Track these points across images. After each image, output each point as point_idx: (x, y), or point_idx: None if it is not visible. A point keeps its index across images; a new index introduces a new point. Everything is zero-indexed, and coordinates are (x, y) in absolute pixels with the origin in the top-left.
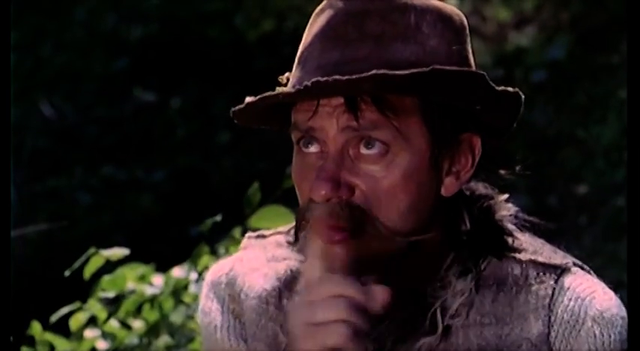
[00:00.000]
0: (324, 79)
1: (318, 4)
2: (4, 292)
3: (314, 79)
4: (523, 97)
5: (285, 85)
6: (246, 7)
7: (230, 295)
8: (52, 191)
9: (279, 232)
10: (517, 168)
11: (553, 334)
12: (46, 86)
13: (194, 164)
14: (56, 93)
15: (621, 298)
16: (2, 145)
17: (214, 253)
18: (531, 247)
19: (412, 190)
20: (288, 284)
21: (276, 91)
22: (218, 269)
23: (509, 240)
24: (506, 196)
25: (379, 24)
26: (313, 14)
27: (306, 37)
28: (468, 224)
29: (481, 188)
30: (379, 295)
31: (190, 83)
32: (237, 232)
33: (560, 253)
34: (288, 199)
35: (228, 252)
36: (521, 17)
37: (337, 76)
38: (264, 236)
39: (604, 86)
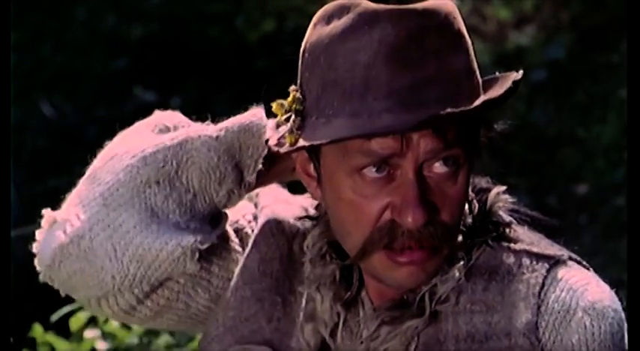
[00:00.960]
0: (440, 113)
1: (318, 5)
2: (4, 291)
3: (427, 116)
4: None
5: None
6: (246, 9)
7: (254, 203)
8: (52, 191)
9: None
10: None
11: (543, 323)
12: (46, 86)
13: None
14: (56, 92)
15: (622, 298)
16: (2, 145)
17: None
18: (527, 238)
19: (467, 196)
20: (297, 237)
21: (382, 127)
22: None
23: (505, 230)
24: (503, 187)
25: (436, 39)
26: (341, 32)
27: (358, 56)
28: (467, 216)
29: (483, 183)
30: None
31: (190, 83)
32: None
33: (557, 246)
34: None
35: None
36: (521, 17)
37: (450, 109)
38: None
39: (604, 86)
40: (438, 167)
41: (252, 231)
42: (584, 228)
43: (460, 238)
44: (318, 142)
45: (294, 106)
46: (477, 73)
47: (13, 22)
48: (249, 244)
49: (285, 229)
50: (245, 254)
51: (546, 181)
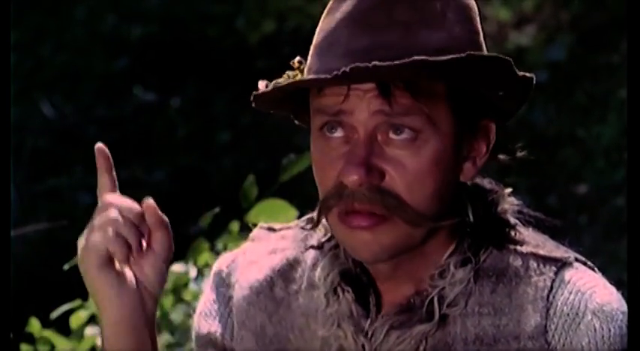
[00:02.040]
0: (364, 64)
1: (318, 5)
2: (4, 291)
3: (353, 65)
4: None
5: (299, 69)
6: (246, 9)
7: (227, 284)
8: (52, 191)
9: (289, 227)
10: (518, 154)
11: (553, 326)
12: (46, 86)
13: (194, 164)
14: (56, 93)
15: (622, 296)
16: (2, 145)
17: (213, 250)
18: (533, 240)
19: (438, 175)
20: (283, 273)
21: (306, 78)
22: (223, 260)
23: (511, 232)
24: (509, 190)
25: (407, 11)
26: (332, 1)
27: (328, 22)
28: (472, 217)
29: (486, 184)
30: (148, 208)
31: (190, 83)
32: (234, 226)
33: (563, 248)
34: (285, 193)
35: (226, 248)
36: (521, 17)
37: (377, 62)
38: (273, 230)
39: (604, 86)
40: (392, 135)
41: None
42: (584, 228)
43: (467, 241)
44: (257, 92)
45: (294, 73)
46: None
47: (14, 22)
48: (235, 333)
49: (261, 290)
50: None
51: (546, 181)
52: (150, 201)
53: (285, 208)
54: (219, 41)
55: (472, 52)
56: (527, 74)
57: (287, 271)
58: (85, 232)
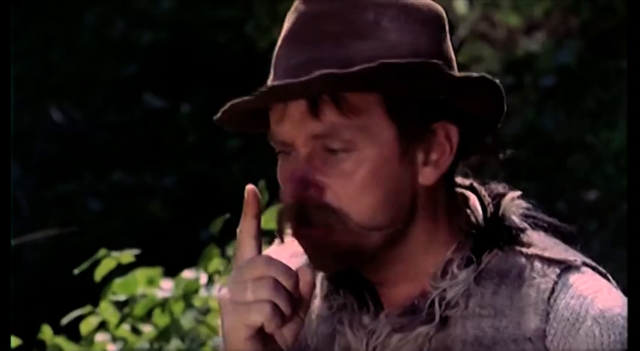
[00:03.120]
0: (277, 83)
1: None
2: (4, 292)
3: (271, 84)
4: (493, 79)
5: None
6: (256, 15)
7: None
8: (61, 197)
9: None
10: (503, 154)
11: (552, 331)
12: (56, 92)
13: (204, 170)
14: (66, 99)
15: None
16: (2, 147)
17: (224, 256)
18: (541, 243)
19: (382, 184)
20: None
21: (239, 99)
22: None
23: (517, 234)
24: (518, 193)
25: (337, 23)
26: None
27: (279, 41)
28: (480, 219)
29: (500, 188)
30: (305, 276)
31: (200, 89)
32: None
33: (572, 251)
34: None
35: None
36: (530, 23)
37: (289, 80)
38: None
39: (613, 91)
40: (330, 150)
41: None
42: (593, 234)
43: (470, 241)
44: (215, 117)
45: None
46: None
47: (23, 28)
48: None
49: None
50: None
51: (555, 187)
52: (307, 270)
53: None
54: (229, 47)
55: (385, 60)
56: (474, 74)
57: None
58: (233, 287)
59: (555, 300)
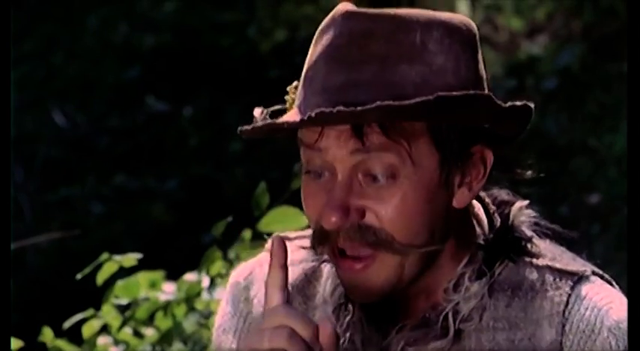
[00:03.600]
0: (329, 110)
1: (330, 14)
2: (4, 293)
3: (317, 110)
4: (532, 106)
5: (292, 98)
6: (258, 18)
7: (245, 298)
8: (64, 200)
9: (304, 236)
10: (529, 173)
11: (568, 343)
12: (59, 95)
13: (206, 173)
14: (69, 102)
15: None
16: (2, 149)
17: (226, 259)
18: (550, 253)
19: (423, 209)
20: (302, 289)
21: (280, 120)
22: (239, 272)
23: (527, 245)
24: (526, 202)
25: (383, 45)
26: (318, 30)
27: (312, 54)
28: (487, 230)
29: (504, 195)
30: (325, 329)
31: (202, 92)
32: (247, 234)
33: (580, 260)
34: (296, 201)
35: (239, 258)
36: (533, 26)
37: (341, 107)
38: (289, 239)
39: (616, 95)
40: (371, 173)
41: None
42: (596, 238)
43: (481, 253)
44: (240, 130)
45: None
46: (451, 91)
47: (26, 31)
48: None
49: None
50: None
51: (558, 190)
52: (328, 322)
53: (297, 215)
54: (232, 50)
55: (441, 93)
56: (518, 103)
57: (305, 287)
58: (252, 334)
59: (570, 312)
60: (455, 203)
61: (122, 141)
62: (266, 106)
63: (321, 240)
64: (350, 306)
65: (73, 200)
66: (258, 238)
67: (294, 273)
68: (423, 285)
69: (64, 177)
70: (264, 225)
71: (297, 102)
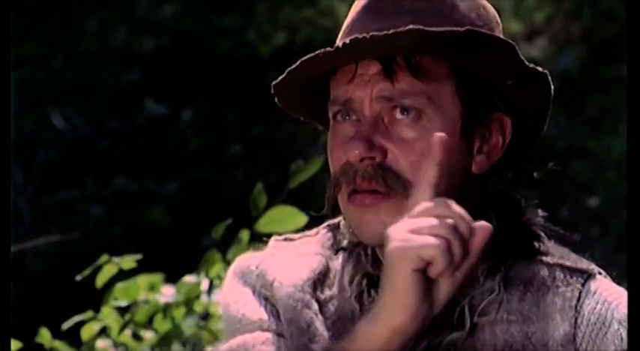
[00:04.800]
0: (362, 36)
1: (330, 17)
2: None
3: (351, 37)
4: (550, 78)
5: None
6: (258, 22)
7: (262, 285)
8: (63, 203)
9: (308, 235)
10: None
11: (580, 334)
12: (58, 98)
13: (205, 176)
14: (68, 105)
15: None
16: (2, 152)
17: (225, 261)
18: (558, 252)
19: (444, 156)
20: (321, 277)
21: (315, 53)
22: (246, 260)
23: (537, 243)
24: (536, 201)
25: (416, 0)
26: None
27: (348, 17)
28: (496, 224)
29: (514, 195)
30: (481, 231)
31: (202, 96)
32: (244, 235)
33: (585, 260)
34: (294, 200)
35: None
36: (532, 29)
37: (374, 32)
38: (292, 239)
39: (615, 98)
40: (397, 116)
41: None
42: (595, 240)
43: (494, 247)
44: (276, 81)
45: None
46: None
47: (25, 35)
48: (283, 329)
49: (306, 289)
50: None
51: (557, 193)
52: (486, 225)
53: (295, 214)
54: (231, 54)
55: (471, 28)
56: (539, 68)
57: (324, 276)
58: (410, 221)
59: (582, 306)
60: (474, 168)
61: (121, 144)
62: (265, 110)
63: (340, 177)
64: (373, 292)
65: (72, 203)
66: (256, 240)
67: (313, 261)
68: None
69: (63, 180)
70: (261, 225)
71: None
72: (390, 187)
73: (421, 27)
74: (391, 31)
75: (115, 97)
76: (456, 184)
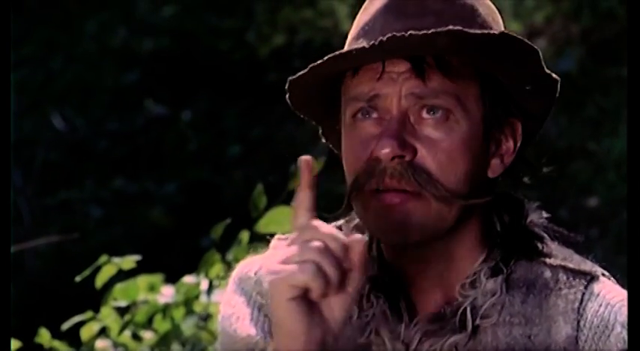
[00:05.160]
0: (400, 34)
1: (328, 18)
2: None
3: (389, 35)
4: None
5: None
6: (257, 23)
7: (259, 292)
8: (63, 204)
9: None
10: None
11: (583, 337)
12: (58, 99)
13: (205, 177)
14: (67, 106)
15: None
16: (3, 155)
17: (224, 261)
18: (561, 254)
19: (469, 157)
20: None
21: (345, 50)
22: (247, 266)
23: (540, 245)
24: (538, 203)
25: (439, 2)
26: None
27: (364, 15)
28: (499, 226)
29: (516, 196)
30: (356, 245)
31: (201, 96)
32: (244, 236)
33: (589, 262)
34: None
35: (237, 260)
36: (531, 30)
37: (412, 31)
38: None
39: (615, 99)
40: (425, 115)
41: None
42: (595, 241)
43: (498, 251)
44: (294, 76)
45: None
46: None
47: (24, 36)
48: None
49: None
50: None
51: (557, 194)
52: (359, 237)
53: None
54: (230, 54)
55: (506, 31)
56: (554, 75)
57: None
58: (281, 251)
59: (585, 309)
60: (489, 172)
61: (121, 145)
62: (265, 111)
63: (367, 176)
64: (373, 297)
65: (71, 204)
66: (256, 240)
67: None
68: (440, 278)
69: (62, 181)
70: (261, 226)
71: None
72: (421, 187)
73: (460, 28)
74: (431, 31)
75: (115, 98)
76: (474, 188)
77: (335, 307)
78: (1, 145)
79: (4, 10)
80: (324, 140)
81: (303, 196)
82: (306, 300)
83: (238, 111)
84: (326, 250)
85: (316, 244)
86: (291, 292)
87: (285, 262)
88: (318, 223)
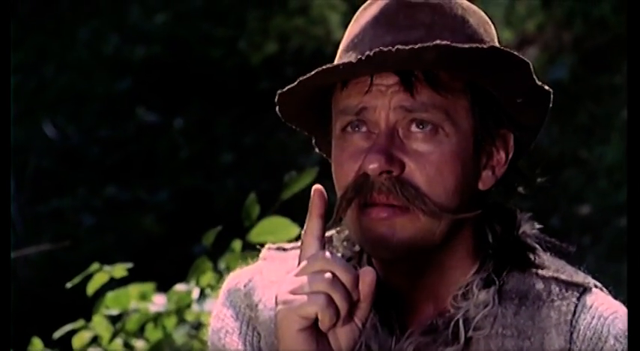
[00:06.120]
0: (387, 48)
1: (320, 26)
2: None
3: (376, 49)
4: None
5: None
6: (249, 31)
7: (248, 305)
8: (55, 212)
9: (299, 247)
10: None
11: (575, 349)
12: (49, 107)
13: (197, 185)
14: (59, 113)
15: None
16: (3, 163)
17: (215, 270)
18: (553, 265)
19: (458, 170)
20: None
21: (333, 64)
22: (236, 278)
23: (532, 256)
24: (530, 214)
25: (429, 14)
26: (360, 9)
27: (354, 27)
28: (491, 237)
29: (508, 207)
30: (366, 276)
31: (193, 104)
32: (237, 245)
33: (581, 273)
34: (286, 211)
35: (229, 269)
36: (523, 38)
37: (399, 46)
38: (284, 249)
39: (607, 107)
40: (414, 129)
41: None
42: (587, 249)
43: (490, 262)
44: (283, 90)
45: None
46: None
47: (17, 42)
48: None
49: None
50: None
51: (549, 202)
52: (369, 270)
53: (287, 225)
54: (222, 62)
55: (495, 45)
56: (546, 87)
57: None
58: (291, 281)
59: (577, 321)
60: (480, 185)
61: (113, 152)
62: (257, 118)
63: (355, 191)
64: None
65: (63, 211)
66: (249, 249)
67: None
68: (431, 289)
69: (54, 188)
70: (254, 235)
71: (337, 64)
72: (409, 202)
73: (448, 43)
74: (418, 46)
75: (107, 106)
76: (464, 201)
77: (342, 338)
78: (1, 153)
79: (4, 13)
80: (317, 150)
81: (313, 225)
82: (314, 330)
83: (230, 119)
84: (336, 282)
85: (327, 275)
86: (301, 323)
87: (295, 292)
88: (328, 253)
